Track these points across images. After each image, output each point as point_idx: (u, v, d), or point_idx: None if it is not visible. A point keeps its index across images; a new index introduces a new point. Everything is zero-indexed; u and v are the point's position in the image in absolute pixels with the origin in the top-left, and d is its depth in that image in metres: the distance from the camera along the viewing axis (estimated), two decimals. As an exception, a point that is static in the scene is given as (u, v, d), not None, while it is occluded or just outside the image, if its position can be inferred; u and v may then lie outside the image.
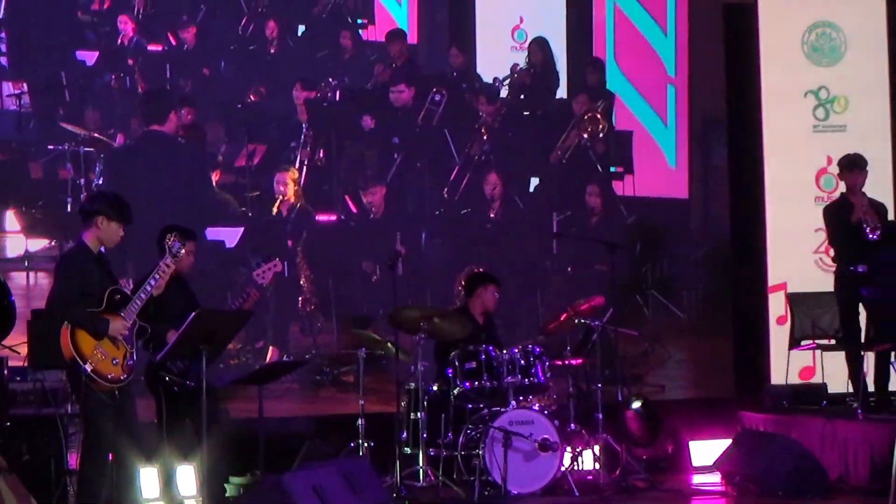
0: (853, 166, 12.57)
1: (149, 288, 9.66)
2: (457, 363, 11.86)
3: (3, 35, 13.27)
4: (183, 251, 9.81)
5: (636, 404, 12.99)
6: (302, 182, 13.72)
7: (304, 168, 13.81)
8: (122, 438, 9.77)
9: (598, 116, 14.47)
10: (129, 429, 9.84)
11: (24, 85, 13.30)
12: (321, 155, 13.95)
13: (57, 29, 13.41)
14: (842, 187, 12.81)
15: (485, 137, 14.22)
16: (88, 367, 9.43)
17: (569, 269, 14.20)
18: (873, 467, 11.54)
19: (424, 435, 11.68)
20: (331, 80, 14.01)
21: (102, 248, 9.78)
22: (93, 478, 9.79)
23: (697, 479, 12.48)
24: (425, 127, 14.07)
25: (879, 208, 12.54)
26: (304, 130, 13.86)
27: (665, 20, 14.76)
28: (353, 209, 13.86)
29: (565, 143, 14.38)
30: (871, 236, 12.20)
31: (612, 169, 14.56)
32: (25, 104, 13.26)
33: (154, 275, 9.76)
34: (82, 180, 13.24)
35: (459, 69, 14.24)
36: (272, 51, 13.91)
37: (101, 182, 13.18)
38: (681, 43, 14.77)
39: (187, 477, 10.39)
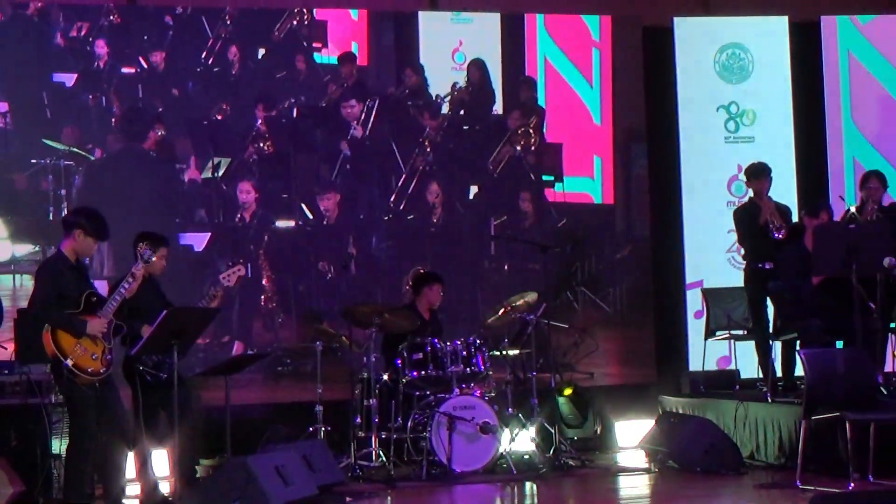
0: (759, 174, 12.66)
1: (122, 291, 9.75)
2: (405, 354, 11.89)
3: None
4: (154, 258, 9.85)
5: (567, 390, 13.02)
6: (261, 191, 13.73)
7: (264, 178, 13.78)
8: (104, 426, 9.78)
9: (531, 131, 14.48)
10: (112, 417, 9.85)
11: (8, 105, 13.19)
12: (280, 166, 13.92)
13: (38, 53, 13.34)
14: (750, 192, 12.86)
15: (428, 150, 14.22)
16: (69, 362, 9.47)
17: (505, 267, 14.19)
18: (781, 444, 11.64)
19: (376, 420, 11.72)
20: (290, 98, 13.96)
21: (86, 259, 9.85)
22: (78, 463, 9.81)
23: (623, 457, 12.50)
24: (374, 140, 14.06)
25: (784, 210, 12.60)
26: (263, 145, 13.81)
27: (590, 57, 14.77)
28: (310, 215, 13.83)
29: (500, 155, 14.38)
30: (776, 235, 12.30)
31: (544, 178, 14.55)
32: (9, 122, 13.16)
33: (126, 279, 9.80)
34: (63, 191, 13.20)
35: (413, 88, 14.21)
36: (234, 72, 13.85)
37: (76, 192, 13.13)
38: (605, 73, 14.77)
39: (161, 459, 10.39)
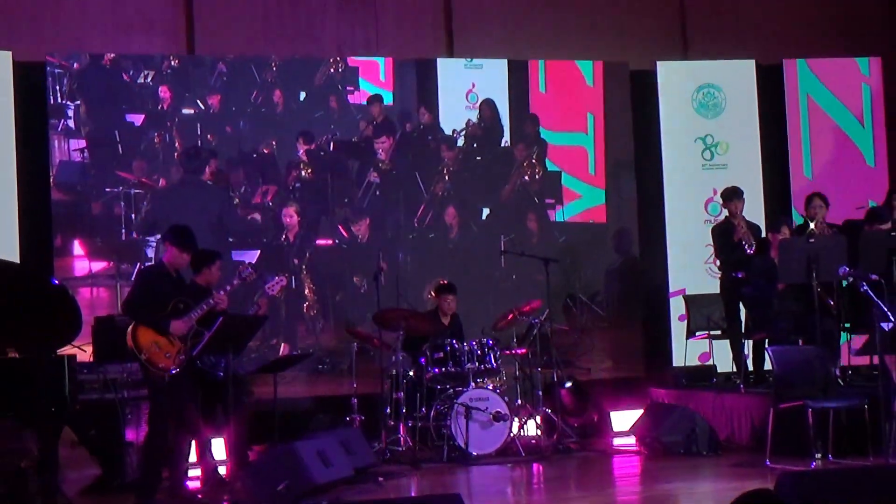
0: (733, 196, 12.71)
1: (210, 302, 9.72)
2: (428, 353, 11.93)
3: (70, 104, 13.19)
4: (254, 275, 9.95)
5: (568, 383, 13.01)
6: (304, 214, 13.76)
7: (306, 203, 13.81)
8: (171, 416, 9.77)
9: (534, 161, 14.48)
10: (178, 409, 9.83)
11: (86, 141, 13.24)
12: (318, 193, 13.94)
13: (111, 97, 13.39)
14: (726, 212, 12.86)
15: (446, 177, 14.23)
16: (143, 357, 9.46)
17: (513, 278, 14.17)
18: (753, 429, 11.63)
19: (403, 410, 11.75)
20: (327, 134, 13.99)
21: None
22: (152, 448, 9.77)
23: (617, 441, 12.49)
24: (399, 170, 14.08)
25: (754, 228, 12.64)
26: (305, 174, 13.84)
27: (588, 98, 14.78)
28: (345, 235, 13.85)
29: (511, 187, 14.41)
30: (748, 251, 12.32)
31: (546, 201, 14.56)
32: (87, 156, 13.21)
33: (218, 294, 9.84)
34: (132, 215, 13.23)
35: (427, 124, 14.24)
36: (279, 112, 13.87)
37: (144, 216, 13.17)
38: (598, 110, 14.76)
39: (219, 446, 10.40)
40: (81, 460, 10.57)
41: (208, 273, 10.16)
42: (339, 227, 13.89)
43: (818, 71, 15.02)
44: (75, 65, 13.28)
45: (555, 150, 14.58)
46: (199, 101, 13.68)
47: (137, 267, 12.48)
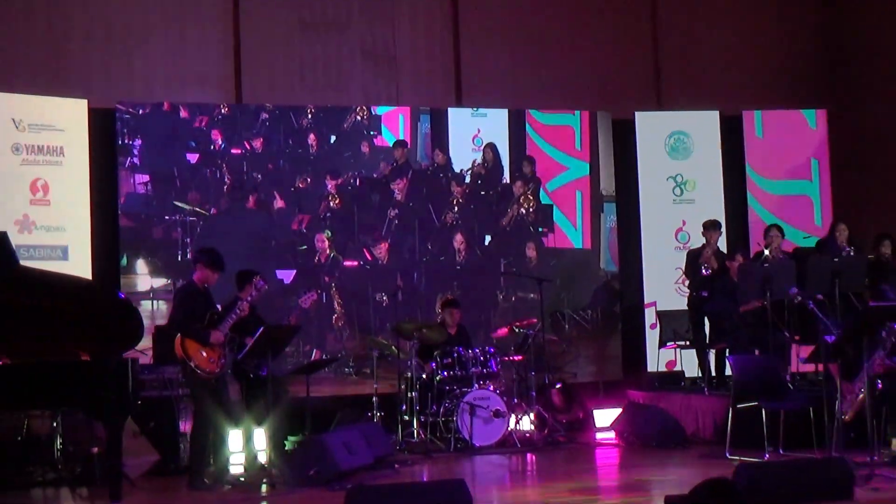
0: (711, 227, 13.00)
1: (238, 312, 9.78)
2: (438, 359, 11.91)
3: (136, 144, 13.24)
4: (265, 288, 9.95)
5: (558, 385, 12.99)
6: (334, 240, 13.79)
7: (335, 230, 13.82)
8: (217, 411, 9.79)
9: (530, 196, 14.47)
10: (223, 404, 9.87)
11: (149, 176, 13.27)
12: (346, 221, 13.96)
13: (171, 138, 13.46)
14: (696, 240, 12.91)
15: (455, 209, 14.23)
16: (192, 364, 9.52)
17: (513, 298, 14.17)
18: (715, 426, 11.61)
19: (417, 407, 11.72)
20: (354, 172, 14.01)
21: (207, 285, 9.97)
22: (199, 437, 9.81)
23: (599, 435, 12.42)
24: (415, 203, 14.09)
25: (720, 255, 12.68)
26: (334, 205, 13.86)
27: (573, 137, 14.78)
28: (369, 258, 13.85)
29: (510, 217, 14.41)
30: (704, 272, 12.40)
31: (540, 229, 14.55)
32: (150, 189, 13.24)
33: (240, 304, 9.88)
34: (188, 239, 13.24)
35: (441, 164, 14.25)
36: (313, 153, 13.90)
37: (198, 240, 13.19)
38: (585, 153, 14.77)
39: (260, 436, 10.38)
40: (142, 448, 10.55)
41: (250, 287, 10.18)
42: (364, 250, 13.89)
43: (772, 120, 15.03)
44: (141, 111, 13.32)
45: (548, 180, 14.61)
46: (245, 143, 13.71)
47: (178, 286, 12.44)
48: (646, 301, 14.42)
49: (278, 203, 13.71)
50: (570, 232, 14.67)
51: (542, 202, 14.55)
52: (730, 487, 4.51)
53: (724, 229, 13.75)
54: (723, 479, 4.51)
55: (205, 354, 9.59)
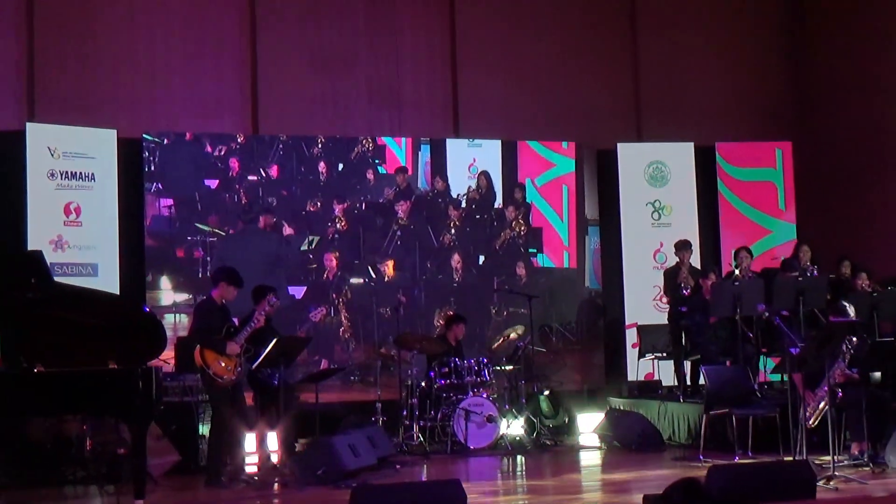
0: (683, 247, 12.97)
1: (253, 324, 9.81)
2: (436, 368, 11.91)
3: (161, 171, 13.28)
4: (277, 304, 9.99)
5: (545, 393, 12.99)
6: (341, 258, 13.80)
7: (343, 250, 13.83)
8: (234, 415, 9.79)
9: (521, 220, 14.49)
10: (239, 409, 9.88)
11: (173, 200, 13.29)
12: (352, 242, 13.97)
13: (193, 166, 13.48)
14: (672, 260, 12.93)
15: (452, 231, 14.25)
16: (211, 372, 9.53)
17: (504, 314, 14.18)
18: (689, 431, 11.62)
19: (416, 413, 11.71)
20: (360, 197, 14.05)
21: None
22: (217, 439, 9.82)
23: (583, 439, 12.42)
24: (416, 224, 14.10)
25: (696, 274, 12.68)
26: (341, 227, 13.88)
27: (563, 170, 14.81)
28: (373, 275, 13.87)
29: (503, 239, 14.43)
30: (684, 292, 12.36)
31: (530, 250, 14.57)
32: (173, 212, 13.26)
33: (256, 317, 9.89)
34: (208, 258, 13.26)
35: (440, 190, 14.28)
36: (323, 180, 13.91)
37: (217, 258, 13.20)
38: (571, 181, 14.78)
39: (272, 439, 10.37)
40: (164, 449, 10.54)
41: (264, 302, 10.21)
42: (369, 268, 13.90)
43: (742, 151, 15.07)
44: (165, 140, 13.35)
45: (536, 210, 14.62)
46: (261, 170, 13.72)
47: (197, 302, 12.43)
48: (627, 316, 14.40)
49: (290, 225, 13.72)
50: (559, 253, 14.67)
51: (532, 226, 14.56)
52: (697, 486, 4.52)
53: (697, 249, 13.82)
54: (691, 479, 4.53)
55: (222, 363, 9.61)
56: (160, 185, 13.30)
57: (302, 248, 13.71)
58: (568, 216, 14.74)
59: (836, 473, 8.88)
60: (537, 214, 14.60)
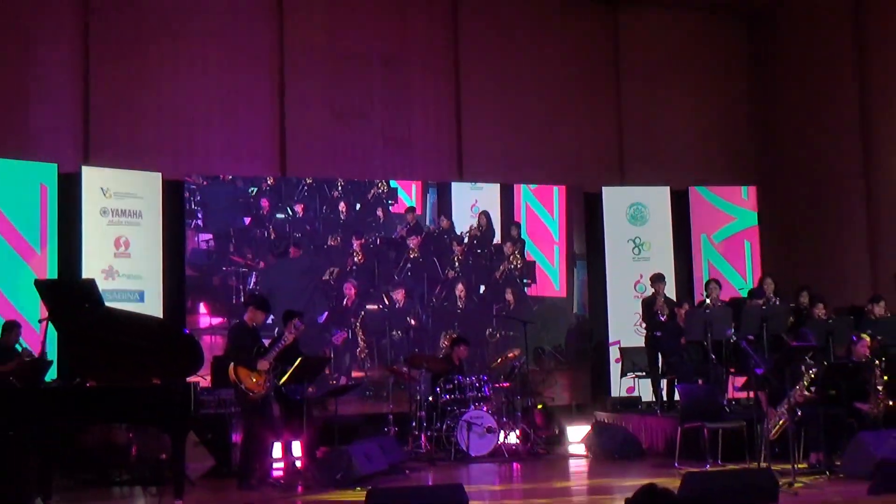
0: (658, 280, 12.89)
1: (281, 345, 9.81)
2: (442, 384, 11.88)
3: (200, 209, 13.32)
4: (302, 328, 9.97)
5: (539, 407, 12.97)
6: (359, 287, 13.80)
7: (360, 280, 13.84)
8: (263, 425, 9.78)
9: (517, 254, 14.52)
10: (267, 420, 9.86)
11: (212, 235, 13.33)
12: (368, 273, 13.98)
13: (227, 205, 13.52)
14: (652, 290, 12.94)
15: (456, 265, 14.27)
16: (243, 386, 9.54)
17: (497, 336, 14.19)
18: (666, 441, 11.57)
19: (424, 424, 11.69)
20: (375, 233, 14.07)
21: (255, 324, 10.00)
22: (247, 448, 9.80)
23: (572, 448, 12.40)
24: (424, 258, 14.11)
25: (670, 303, 12.69)
26: (358, 260, 13.90)
27: (552, 206, 14.83)
28: (387, 302, 13.88)
29: (501, 271, 14.45)
30: (661, 318, 12.38)
31: (524, 281, 14.59)
32: (212, 245, 13.31)
33: (284, 337, 9.90)
34: (241, 286, 13.28)
35: (445, 228, 14.32)
36: (343, 218, 13.95)
37: (250, 287, 13.21)
38: (561, 220, 14.82)
39: (296, 447, 10.35)
40: (200, 455, 10.54)
41: (291, 325, 10.23)
42: (383, 296, 13.91)
43: (713, 193, 15.11)
44: (204, 182, 13.41)
45: (531, 241, 14.64)
46: (288, 209, 13.76)
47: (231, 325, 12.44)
48: (610, 339, 14.42)
49: (315, 257, 13.75)
50: (550, 284, 14.69)
51: (526, 260, 14.58)
52: (655, 490, 4.52)
53: (672, 281, 13.85)
54: (652, 485, 4.54)
55: (253, 379, 9.62)
56: (199, 222, 13.34)
57: (324, 278, 13.73)
58: (559, 251, 14.75)
59: (796, 481, 8.86)
60: (533, 250, 14.64)
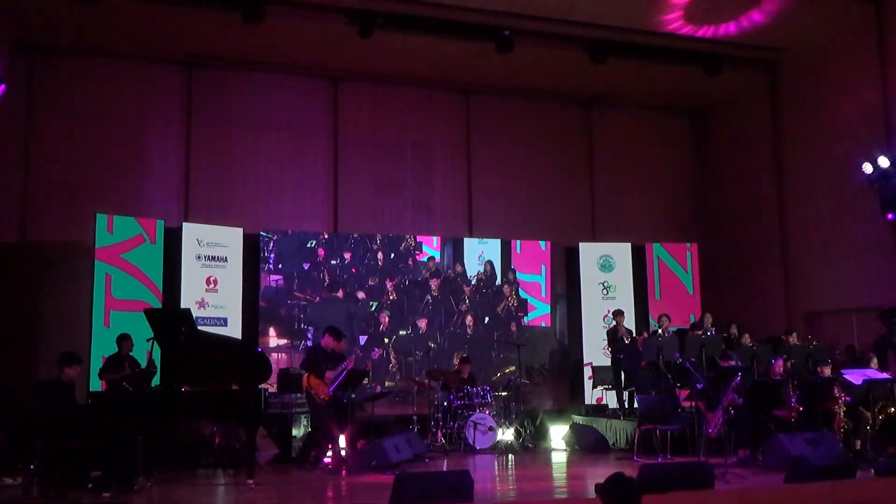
0: (619, 314, 12.75)
1: (346, 365, 9.82)
2: (454, 393, 11.77)
3: (272, 256, 13.32)
4: (351, 364, 9.89)
5: (528, 412, 12.83)
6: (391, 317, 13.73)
7: (393, 311, 13.77)
8: (323, 421, 9.70)
9: (514, 293, 14.45)
10: (332, 418, 9.78)
11: (280, 276, 13.32)
12: (400, 306, 13.90)
13: (293, 254, 13.50)
14: (614, 322, 12.81)
15: (466, 301, 14.21)
16: (313, 392, 9.49)
17: (499, 356, 14.08)
18: (627, 439, 11.44)
19: (440, 423, 11.55)
20: (405, 276, 13.99)
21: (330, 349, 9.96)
22: (309, 439, 9.76)
23: (554, 444, 12.24)
24: (442, 296, 14.06)
25: (629, 331, 12.64)
26: (391, 297, 13.83)
27: (542, 260, 14.76)
28: (413, 329, 13.82)
29: (501, 306, 14.37)
30: (626, 341, 12.27)
31: (519, 314, 14.50)
32: (280, 284, 13.28)
33: (349, 360, 9.89)
34: (301, 315, 13.25)
35: (459, 273, 14.27)
36: (381, 265, 13.94)
37: (308, 316, 13.16)
38: (547, 268, 14.76)
39: (342, 439, 10.24)
40: (268, 445, 10.47)
41: (340, 343, 10.21)
42: (410, 324, 13.85)
43: (664, 249, 15.04)
44: (275, 235, 13.42)
45: (524, 284, 14.56)
46: (339, 257, 13.77)
47: (309, 346, 12.38)
48: (585, 359, 14.29)
49: (360, 293, 13.72)
50: (539, 316, 14.60)
51: (521, 296, 14.51)
52: (622, 477, 4.44)
53: (632, 315, 13.77)
54: (620, 474, 4.45)
55: (322, 387, 9.62)
56: (271, 266, 13.35)
57: (369, 310, 13.69)
58: (546, 289, 14.69)
59: (729, 471, 8.72)
60: (525, 286, 14.58)
